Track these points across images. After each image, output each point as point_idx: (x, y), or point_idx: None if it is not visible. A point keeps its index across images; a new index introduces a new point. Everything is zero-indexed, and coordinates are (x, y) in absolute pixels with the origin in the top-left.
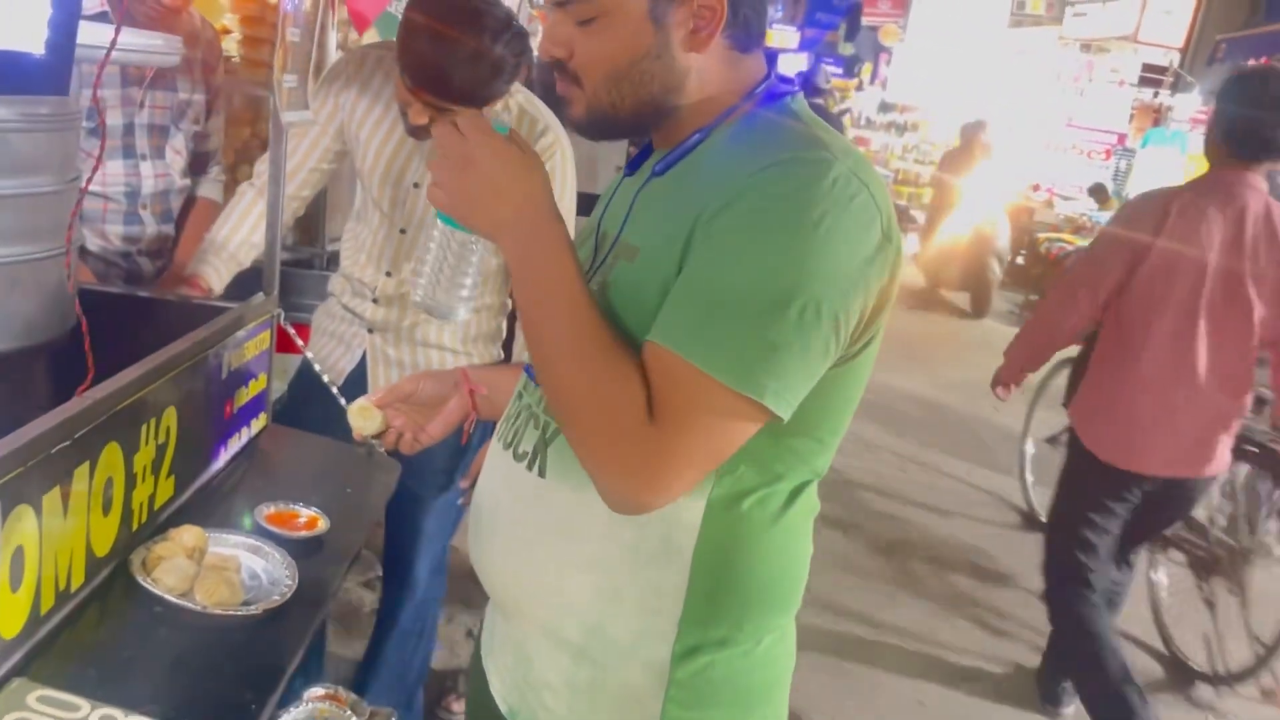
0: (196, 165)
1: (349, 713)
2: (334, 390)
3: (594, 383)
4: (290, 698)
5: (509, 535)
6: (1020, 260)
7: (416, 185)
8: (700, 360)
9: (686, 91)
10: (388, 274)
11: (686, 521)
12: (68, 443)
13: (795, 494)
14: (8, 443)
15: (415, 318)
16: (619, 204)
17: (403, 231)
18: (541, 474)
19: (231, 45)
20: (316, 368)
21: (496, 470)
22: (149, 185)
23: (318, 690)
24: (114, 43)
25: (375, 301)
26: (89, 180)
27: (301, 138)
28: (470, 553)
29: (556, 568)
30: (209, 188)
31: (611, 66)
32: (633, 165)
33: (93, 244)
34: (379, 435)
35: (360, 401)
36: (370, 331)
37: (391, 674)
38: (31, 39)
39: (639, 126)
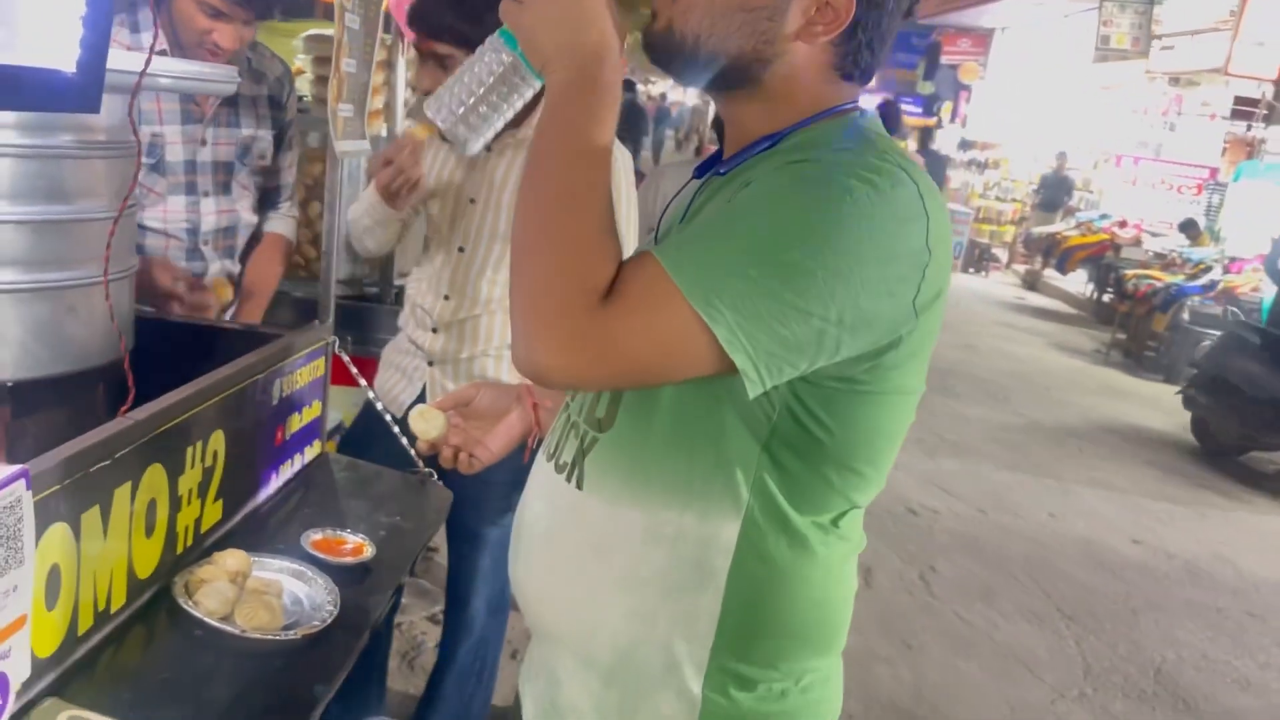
0: (266, 201)
1: None
2: (388, 418)
3: (570, 238)
4: None
5: (544, 550)
6: (1107, 298)
7: (473, 201)
8: (669, 264)
9: (770, 73)
10: (446, 297)
11: (722, 541)
12: (107, 462)
13: (832, 525)
14: (44, 460)
15: (473, 350)
16: (680, 203)
17: (461, 250)
18: (579, 485)
19: (304, 85)
20: (370, 395)
21: (539, 482)
22: (209, 222)
23: None
24: (147, 62)
25: (435, 331)
26: (128, 203)
27: None
28: (509, 568)
29: (589, 585)
30: (278, 223)
31: (726, 9)
32: (701, 170)
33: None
34: (438, 443)
35: (421, 406)
36: (430, 364)
37: (449, 712)
38: (63, 58)
39: (702, 70)
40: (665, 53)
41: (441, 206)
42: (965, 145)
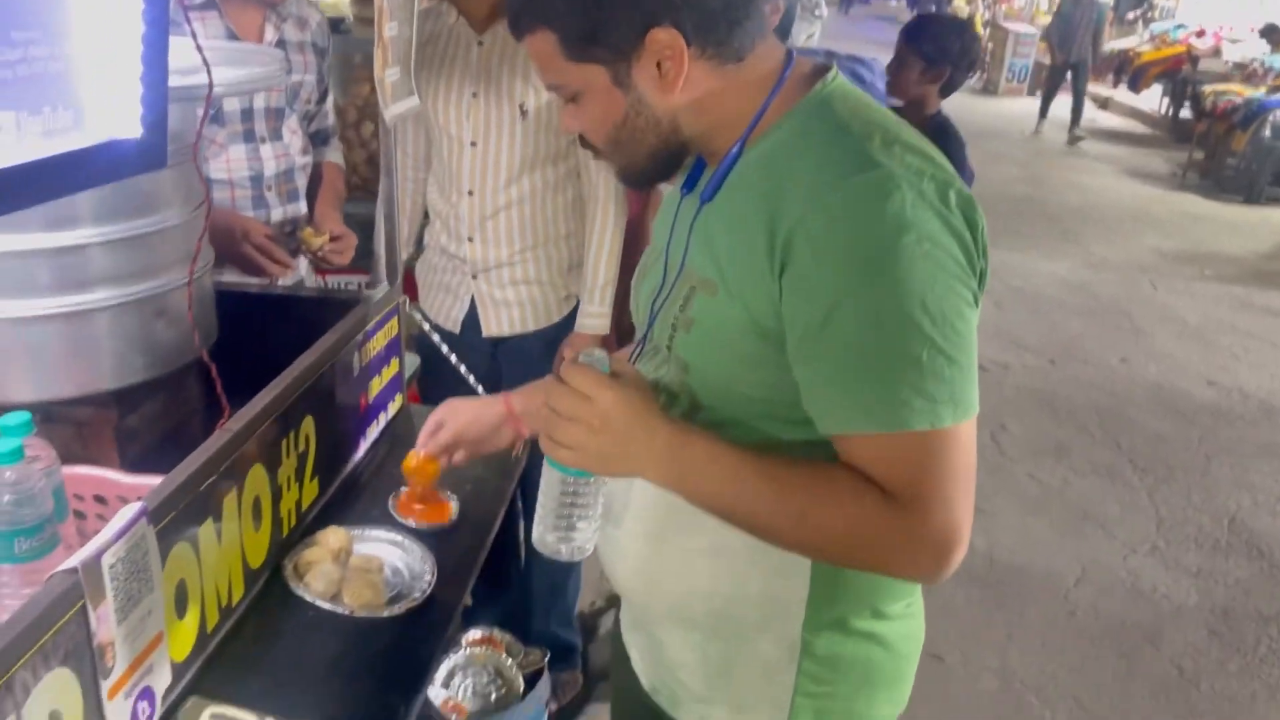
0: (315, 140)
1: (505, 656)
2: (452, 358)
3: (830, 529)
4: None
5: (634, 522)
6: (1185, 115)
7: (475, 95)
8: (901, 423)
9: (686, 127)
10: (470, 193)
11: None
12: (214, 477)
13: None
14: (158, 492)
15: (512, 250)
16: (680, 226)
17: (473, 144)
18: None
19: (345, 6)
20: (425, 326)
21: None
22: (271, 167)
23: (475, 634)
24: (210, 88)
25: (471, 240)
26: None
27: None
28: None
29: (680, 555)
30: (331, 154)
31: (605, 134)
32: (689, 182)
33: None
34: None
35: (411, 460)
36: (474, 277)
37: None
38: (128, 124)
39: (670, 169)
40: (638, 183)
41: (444, 107)
42: None
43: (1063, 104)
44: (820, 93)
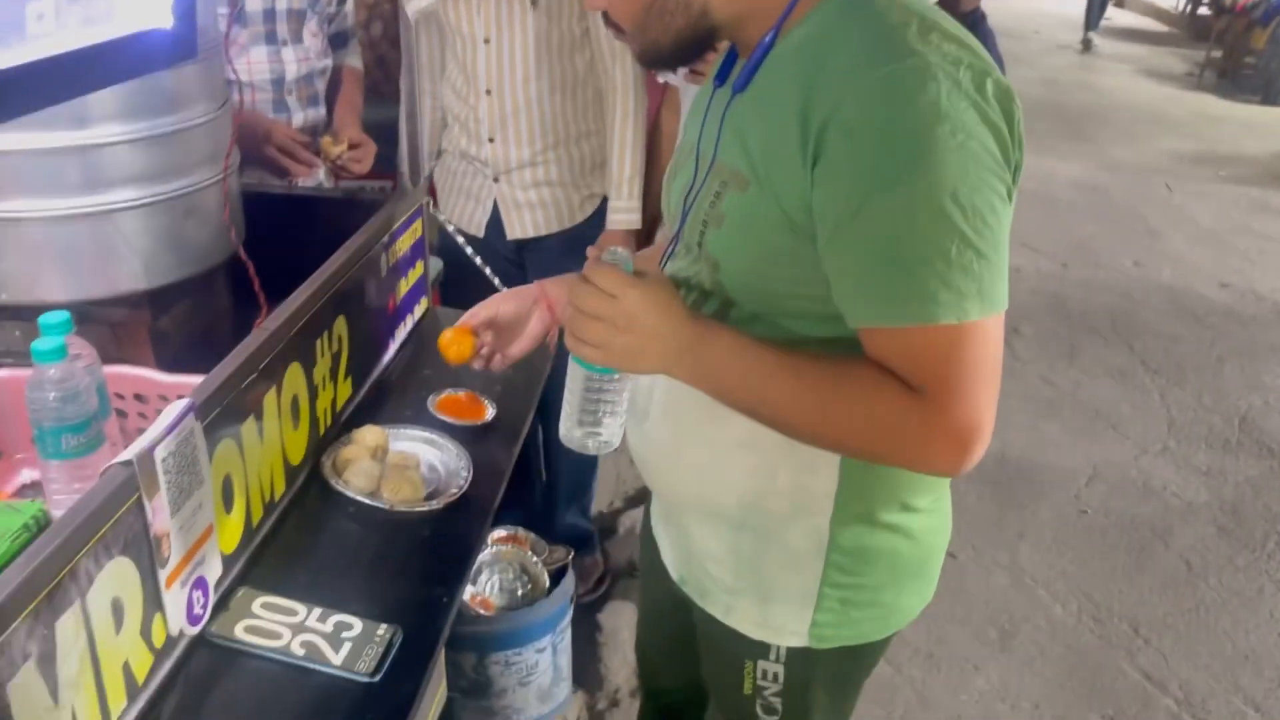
0: (335, 43)
1: (530, 553)
2: (476, 260)
3: (851, 421)
4: None
5: (662, 417)
6: (1203, 11)
7: (487, 41)
8: (928, 316)
9: (717, 11)
10: (488, 91)
11: None
12: (255, 374)
13: None
14: (202, 389)
15: (534, 150)
16: (711, 120)
17: (487, 41)
18: None
19: None
20: (451, 229)
21: None
22: (292, 70)
23: (500, 532)
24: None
25: (492, 140)
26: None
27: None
28: (628, 436)
29: (710, 449)
30: (351, 58)
31: (632, 13)
32: (721, 74)
33: None
34: (468, 359)
35: (448, 334)
36: (495, 181)
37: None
38: (159, 13)
39: (693, 53)
40: (661, 65)
41: (455, 2)
42: None
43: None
44: None
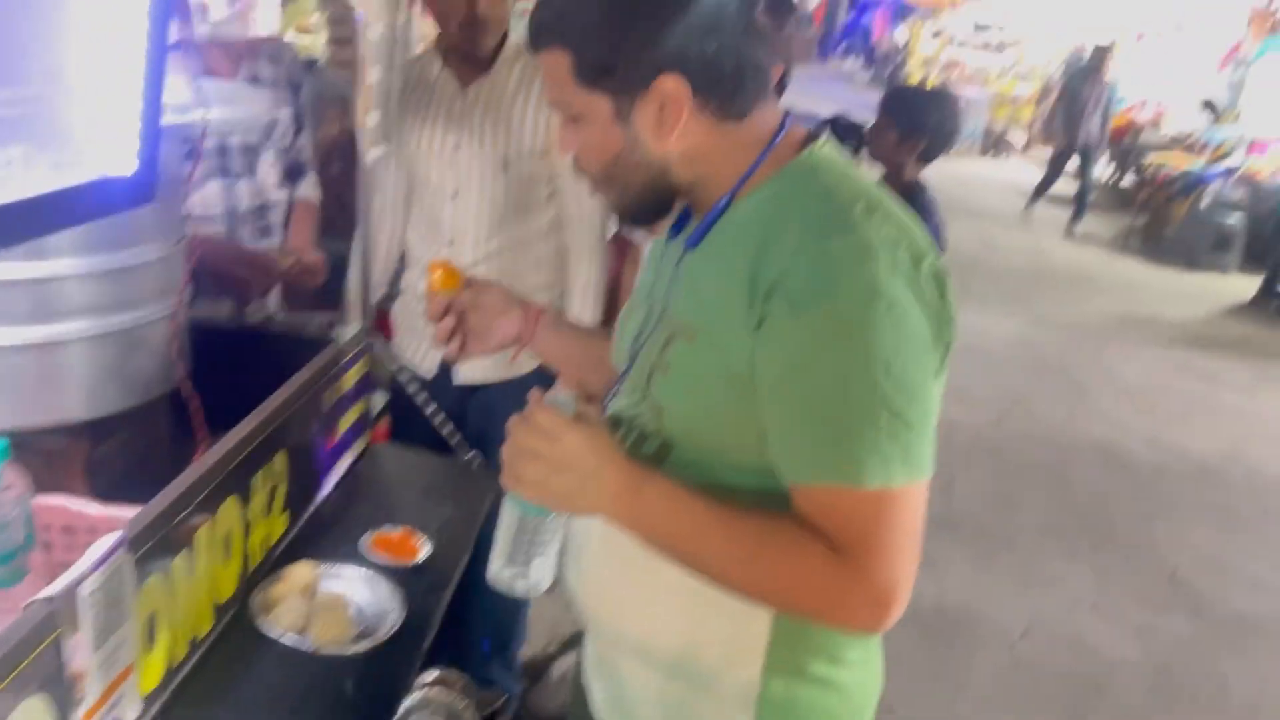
0: (293, 175)
1: (461, 697)
2: (418, 400)
3: (776, 577)
4: None
5: (599, 555)
6: (1128, 182)
7: (457, 147)
8: (855, 478)
9: (676, 175)
10: (450, 243)
11: None
12: (190, 508)
13: None
14: (137, 520)
15: None
16: (664, 273)
17: (455, 195)
18: None
19: (319, 48)
20: (394, 369)
21: None
22: (245, 203)
23: (429, 675)
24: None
25: None
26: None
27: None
28: (564, 570)
29: (645, 591)
30: (307, 190)
31: (600, 164)
32: (675, 229)
33: None
34: (449, 303)
35: (446, 262)
36: None
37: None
38: (123, 160)
39: (656, 211)
40: (629, 219)
41: (427, 155)
42: (980, 28)
43: (1007, 168)
44: (810, 157)
